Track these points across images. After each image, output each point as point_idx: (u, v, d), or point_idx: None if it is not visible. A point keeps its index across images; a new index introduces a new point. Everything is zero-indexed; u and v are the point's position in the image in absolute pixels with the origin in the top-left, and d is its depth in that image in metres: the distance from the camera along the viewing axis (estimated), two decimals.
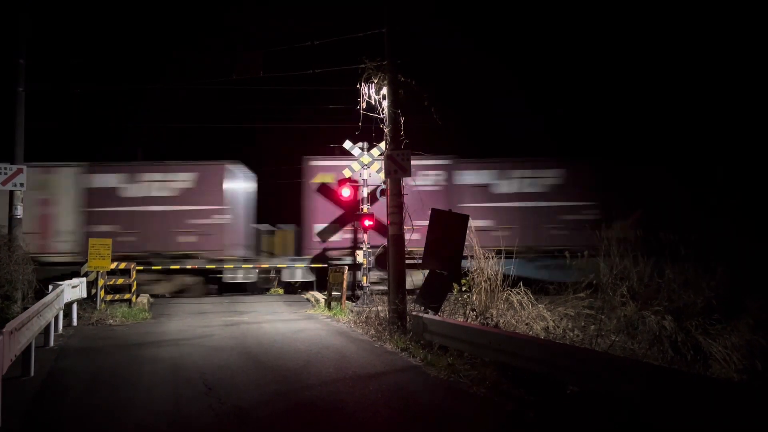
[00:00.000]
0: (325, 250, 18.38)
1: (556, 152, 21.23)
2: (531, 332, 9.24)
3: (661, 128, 24.27)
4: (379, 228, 16.70)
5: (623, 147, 23.60)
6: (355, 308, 14.00)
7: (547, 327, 9.44)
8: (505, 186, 18.70)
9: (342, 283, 14.40)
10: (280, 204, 22.88)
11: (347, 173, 16.69)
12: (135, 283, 15.38)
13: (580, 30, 29.88)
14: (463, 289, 11.04)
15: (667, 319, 8.67)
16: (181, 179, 18.13)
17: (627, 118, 25.92)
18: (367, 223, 15.75)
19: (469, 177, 18.72)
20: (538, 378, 6.74)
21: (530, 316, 9.84)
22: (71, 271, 16.20)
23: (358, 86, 12.80)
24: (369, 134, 13.56)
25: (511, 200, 18.59)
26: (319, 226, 18.37)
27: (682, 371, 6.31)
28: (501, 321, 9.86)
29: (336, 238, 18.37)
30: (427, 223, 11.00)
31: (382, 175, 14.31)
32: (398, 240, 11.48)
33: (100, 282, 14.41)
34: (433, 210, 11.06)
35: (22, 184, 13.81)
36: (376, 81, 12.53)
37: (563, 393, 6.45)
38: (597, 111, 26.56)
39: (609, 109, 26.32)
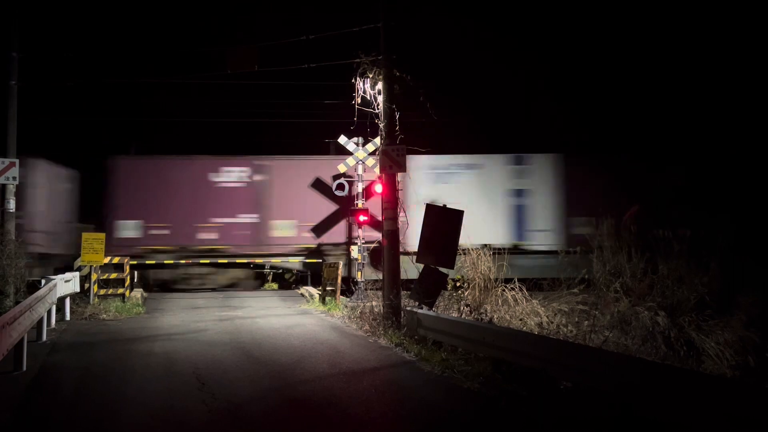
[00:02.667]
0: (319, 245, 18.36)
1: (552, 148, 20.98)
2: (525, 328, 9.27)
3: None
4: (374, 223, 16.65)
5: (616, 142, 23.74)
6: (350, 303, 13.99)
7: (541, 323, 9.47)
8: None
9: (336, 278, 14.37)
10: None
11: (342, 168, 16.64)
12: (129, 277, 15.32)
13: (577, 28, 29.86)
14: (458, 284, 11.05)
15: (660, 315, 8.71)
16: None
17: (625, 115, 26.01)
18: (361, 218, 15.69)
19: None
20: (532, 373, 6.75)
21: (524, 312, 9.87)
22: None
23: (353, 81, 12.74)
24: (364, 129, 13.50)
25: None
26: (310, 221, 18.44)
27: (675, 367, 6.32)
28: (495, 316, 9.88)
29: (330, 233, 18.40)
30: None
31: (377, 171, 14.28)
32: (393, 235, 11.47)
33: (93, 276, 14.35)
34: (428, 205, 11.02)
35: (14, 178, 13.68)
36: (371, 76, 12.46)
37: (557, 388, 6.47)
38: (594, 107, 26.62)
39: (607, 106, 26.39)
